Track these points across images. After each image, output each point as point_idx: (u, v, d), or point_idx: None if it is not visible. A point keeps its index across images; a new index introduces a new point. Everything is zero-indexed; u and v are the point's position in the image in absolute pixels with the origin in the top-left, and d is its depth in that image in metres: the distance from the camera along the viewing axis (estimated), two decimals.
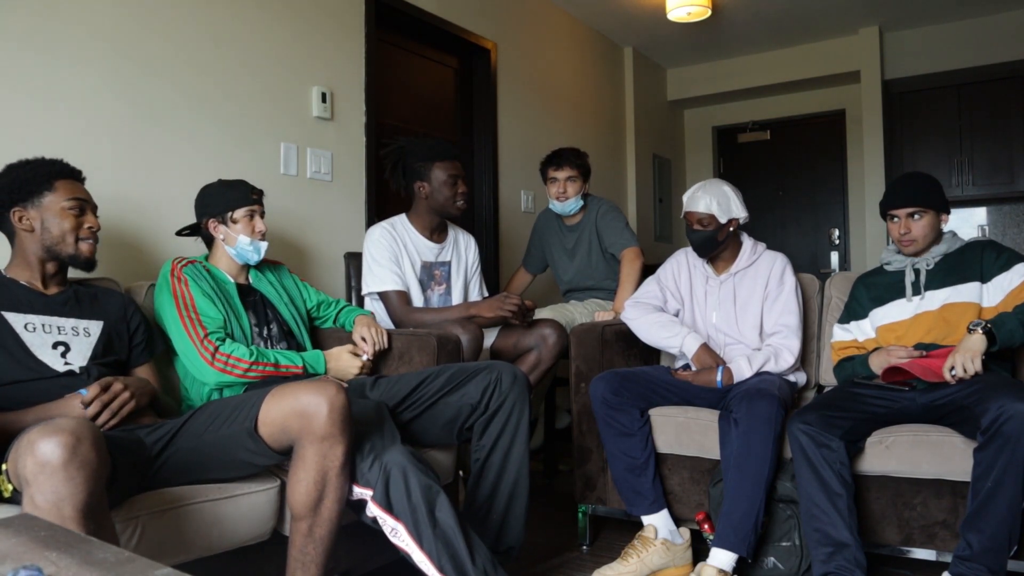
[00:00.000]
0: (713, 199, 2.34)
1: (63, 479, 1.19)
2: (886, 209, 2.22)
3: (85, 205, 1.75)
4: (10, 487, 1.32)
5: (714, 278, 2.44)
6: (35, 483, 1.19)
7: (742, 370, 2.22)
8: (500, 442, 1.96)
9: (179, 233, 2.21)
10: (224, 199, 2.08)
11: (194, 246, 2.23)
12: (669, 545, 2.14)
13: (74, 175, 1.77)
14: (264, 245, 2.11)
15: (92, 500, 1.22)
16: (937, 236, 2.21)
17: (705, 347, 2.32)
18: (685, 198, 2.42)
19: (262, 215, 2.12)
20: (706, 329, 2.43)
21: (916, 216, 2.16)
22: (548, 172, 3.19)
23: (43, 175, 1.70)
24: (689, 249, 2.56)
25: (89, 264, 1.76)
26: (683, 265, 2.53)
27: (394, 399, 1.96)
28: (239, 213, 2.07)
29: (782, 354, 2.27)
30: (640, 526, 2.21)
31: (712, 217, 2.34)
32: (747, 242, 2.46)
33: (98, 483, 1.24)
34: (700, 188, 2.39)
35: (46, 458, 1.19)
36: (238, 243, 2.07)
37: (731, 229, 2.39)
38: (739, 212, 2.37)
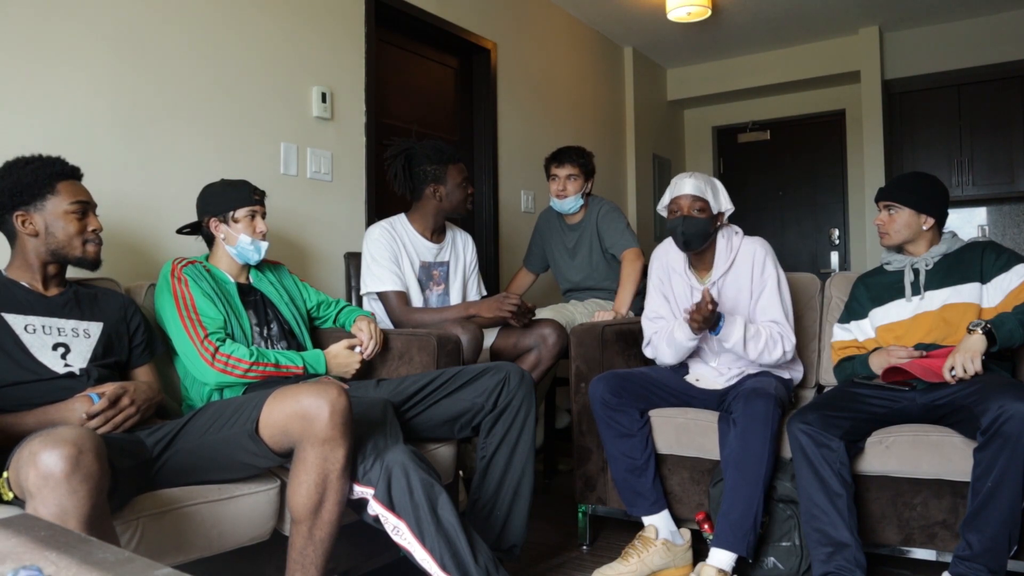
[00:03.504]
0: (705, 184, 2.22)
1: (66, 492, 1.18)
2: (875, 201, 2.28)
3: (87, 207, 1.74)
4: (11, 494, 1.31)
5: (698, 287, 2.32)
6: (38, 496, 1.19)
7: (736, 327, 2.13)
8: (507, 439, 1.98)
9: (180, 231, 2.21)
10: (226, 198, 2.09)
11: (194, 245, 2.24)
12: (670, 546, 2.14)
13: (74, 175, 1.76)
14: (265, 245, 2.11)
15: (95, 511, 1.22)
16: (919, 236, 2.21)
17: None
18: (671, 185, 2.26)
19: (263, 215, 2.12)
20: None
21: (892, 210, 2.21)
22: (550, 169, 3.19)
23: (45, 177, 1.68)
24: (662, 252, 2.43)
25: (95, 265, 1.76)
26: (666, 270, 2.40)
27: (400, 396, 1.97)
28: (241, 213, 2.07)
29: (780, 342, 2.19)
30: (640, 526, 2.21)
31: (706, 203, 2.20)
32: (720, 239, 2.30)
33: (101, 494, 1.24)
34: (686, 175, 2.24)
35: (49, 470, 1.18)
36: (239, 243, 2.07)
37: (718, 224, 2.28)
38: (727, 204, 2.27)
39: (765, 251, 2.29)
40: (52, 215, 1.69)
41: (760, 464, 1.96)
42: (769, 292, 2.25)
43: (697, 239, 2.23)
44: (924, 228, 2.20)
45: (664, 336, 2.32)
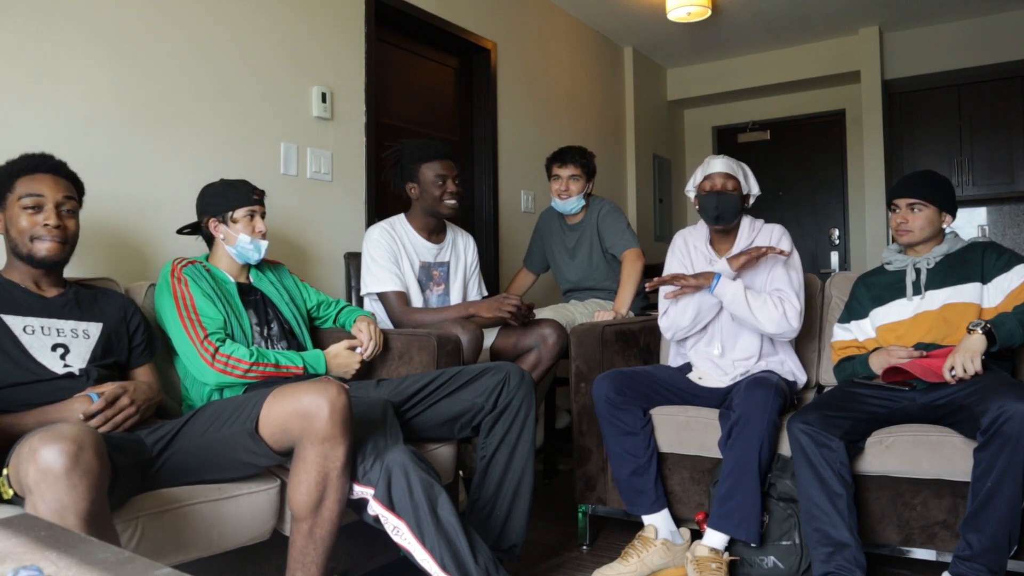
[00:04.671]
0: (736, 165, 2.34)
1: (66, 487, 1.18)
2: (891, 198, 2.25)
3: (43, 200, 1.63)
4: (11, 491, 1.31)
5: (718, 261, 2.37)
6: (38, 491, 1.19)
7: (728, 286, 2.19)
8: (507, 439, 1.98)
9: (180, 231, 2.21)
10: (225, 198, 2.08)
11: (195, 246, 2.23)
12: (669, 545, 2.14)
13: (40, 168, 1.65)
14: (264, 244, 2.11)
15: (94, 508, 1.22)
16: (937, 235, 2.21)
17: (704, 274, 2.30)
18: (703, 165, 2.38)
19: (263, 215, 2.12)
20: (713, 316, 2.35)
21: (916, 208, 2.19)
22: (552, 169, 3.19)
23: (5, 176, 1.64)
24: (686, 232, 2.50)
25: (48, 263, 1.66)
26: (685, 248, 2.47)
27: (400, 396, 1.97)
28: (239, 213, 2.07)
29: (780, 304, 2.21)
30: (640, 526, 2.21)
31: (737, 181, 2.31)
32: (745, 220, 2.41)
33: (100, 490, 1.24)
34: (717, 156, 2.37)
35: (48, 466, 1.18)
36: (238, 242, 2.07)
37: (746, 204, 2.38)
38: (756, 188, 2.39)
39: (782, 232, 2.39)
40: (11, 212, 1.64)
41: (753, 451, 1.97)
42: (779, 266, 2.31)
43: (729, 213, 2.32)
44: (944, 226, 2.20)
45: (678, 304, 2.34)
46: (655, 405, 2.26)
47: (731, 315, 2.26)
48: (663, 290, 2.44)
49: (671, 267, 2.47)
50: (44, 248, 1.64)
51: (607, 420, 2.20)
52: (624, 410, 2.18)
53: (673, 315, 2.36)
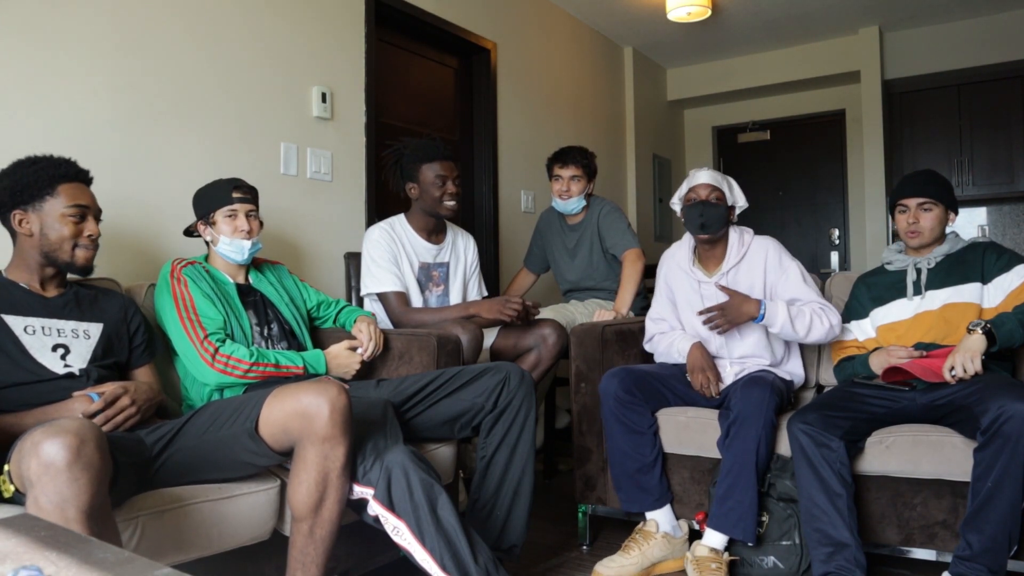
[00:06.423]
0: (721, 178, 2.31)
1: (67, 481, 1.19)
2: (897, 199, 2.22)
3: (87, 211, 1.72)
4: (12, 488, 1.32)
5: (706, 281, 2.34)
6: (39, 485, 1.19)
7: (779, 308, 2.14)
8: (507, 439, 1.98)
9: (187, 233, 2.20)
10: (208, 199, 2.08)
11: (195, 246, 2.23)
12: (669, 538, 2.15)
13: (80, 178, 1.74)
14: (247, 244, 2.07)
15: (95, 502, 1.22)
16: (940, 235, 2.21)
17: (698, 345, 2.32)
18: (688, 178, 2.35)
19: (250, 213, 2.08)
20: (702, 337, 2.36)
21: (926, 208, 2.17)
22: (553, 169, 3.18)
23: (47, 179, 1.67)
24: (674, 251, 2.48)
25: (84, 270, 1.73)
26: (673, 270, 2.45)
27: (400, 396, 1.97)
28: (219, 214, 2.06)
29: (825, 314, 2.17)
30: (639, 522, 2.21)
31: (722, 193, 2.28)
32: (732, 233, 2.36)
33: (101, 485, 1.24)
34: (700, 169, 2.35)
35: (50, 459, 1.19)
36: (221, 243, 2.06)
37: (732, 218, 2.35)
38: (741, 200, 2.35)
39: (778, 247, 2.33)
40: (49, 217, 1.67)
41: (750, 453, 1.98)
42: (797, 282, 2.26)
43: (714, 223, 2.26)
44: (948, 227, 2.20)
45: (665, 341, 2.40)
46: (663, 406, 2.26)
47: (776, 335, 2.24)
48: (650, 315, 2.50)
49: (657, 294, 2.50)
50: (83, 256, 1.72)
51: (614, 417, 2.19)
52: (632, 409, 2.18)
53: (656, 346, 2.45)
